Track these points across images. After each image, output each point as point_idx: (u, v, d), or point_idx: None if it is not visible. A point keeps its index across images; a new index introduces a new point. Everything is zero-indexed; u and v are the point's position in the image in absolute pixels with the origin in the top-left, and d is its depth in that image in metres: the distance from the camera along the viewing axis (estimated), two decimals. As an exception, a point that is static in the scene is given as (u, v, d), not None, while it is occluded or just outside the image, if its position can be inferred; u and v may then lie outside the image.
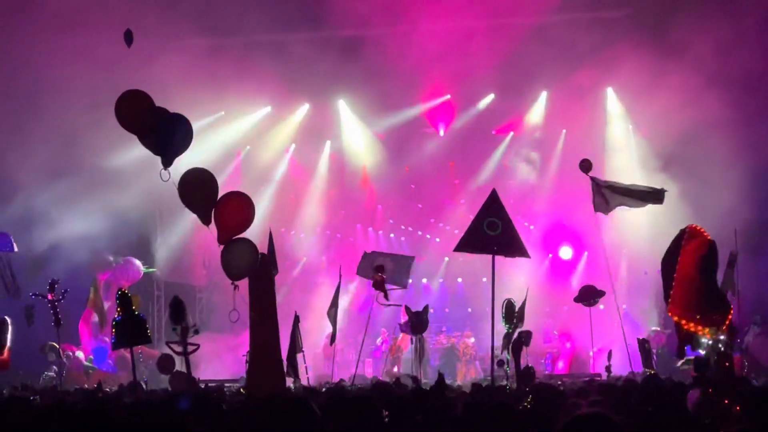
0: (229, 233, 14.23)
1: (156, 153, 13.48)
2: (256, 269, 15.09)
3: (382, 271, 20.96)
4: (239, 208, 14.47)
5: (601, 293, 21.65)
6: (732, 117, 23.81)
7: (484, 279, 25.09)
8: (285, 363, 16.71)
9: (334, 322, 21.61)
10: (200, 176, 14.22)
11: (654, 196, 19.94)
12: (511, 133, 30.01)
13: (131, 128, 13.61)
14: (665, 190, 20.20)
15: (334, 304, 21.69)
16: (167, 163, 13.41)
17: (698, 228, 10.63)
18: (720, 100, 23.49)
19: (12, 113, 24.33)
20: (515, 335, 17.65)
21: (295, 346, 19.62)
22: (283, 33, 25.92)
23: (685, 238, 10.47)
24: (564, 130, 29.17)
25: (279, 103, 29.30)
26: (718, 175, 23.91)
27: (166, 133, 13.15)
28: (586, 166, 20.58)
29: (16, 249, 24.29)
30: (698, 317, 10.18)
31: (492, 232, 16.44)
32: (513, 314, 18.05)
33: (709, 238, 10.46)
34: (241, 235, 14.46)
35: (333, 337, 21.86)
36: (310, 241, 31.01)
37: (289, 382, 17.59)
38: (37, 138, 23.73)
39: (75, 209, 25.19)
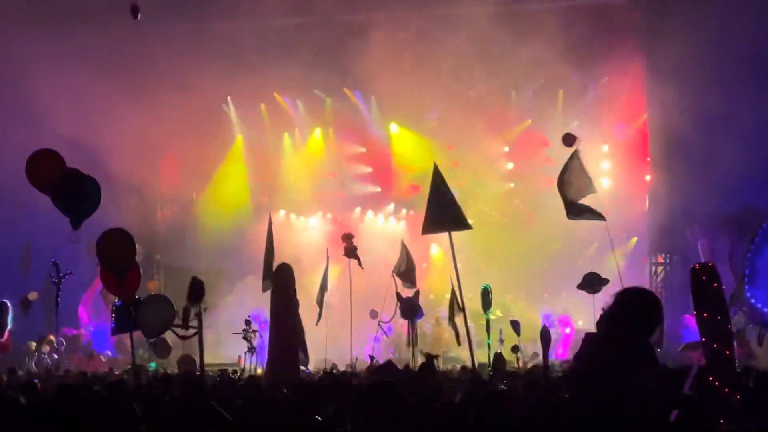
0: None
1: (65, 214, 13.26)
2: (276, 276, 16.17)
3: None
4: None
5: (605, 281, 21.08)
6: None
7: (424, 265, 26.42)
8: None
9: (321, 305, 22.57)
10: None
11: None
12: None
13: (43, 188, 13.27)
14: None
15: (323, 288, 22.66)
16: (76, 224, 13.27)
17: None
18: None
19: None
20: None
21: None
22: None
23: None
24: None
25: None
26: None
27: (77, 195, 12.98)
28: (569, 139, 20.06)
29: None
30: None
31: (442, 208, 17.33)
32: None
33: None
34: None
35: (318, 319, 22.48)
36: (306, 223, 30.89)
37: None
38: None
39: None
